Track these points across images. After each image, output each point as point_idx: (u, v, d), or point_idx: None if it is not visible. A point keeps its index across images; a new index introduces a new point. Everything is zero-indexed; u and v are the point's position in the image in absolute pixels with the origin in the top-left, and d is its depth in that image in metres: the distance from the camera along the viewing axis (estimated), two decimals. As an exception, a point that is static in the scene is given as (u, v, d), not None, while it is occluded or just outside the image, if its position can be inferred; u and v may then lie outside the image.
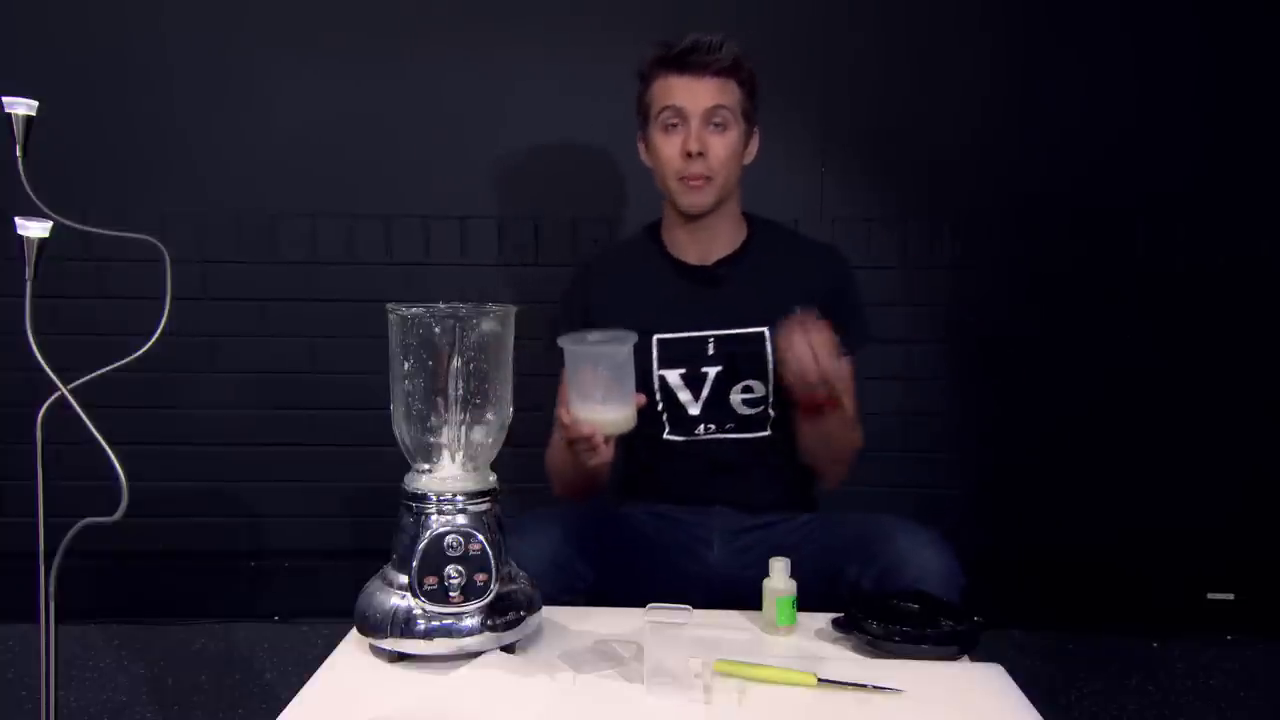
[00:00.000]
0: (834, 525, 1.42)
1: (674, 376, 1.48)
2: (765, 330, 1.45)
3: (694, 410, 1.48)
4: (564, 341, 1.20)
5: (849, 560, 1.29)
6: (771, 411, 1.48)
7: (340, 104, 2.26)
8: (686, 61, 1.41)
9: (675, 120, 1.43)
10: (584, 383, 1.19)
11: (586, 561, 1.34)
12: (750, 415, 1.48)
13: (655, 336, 1.48)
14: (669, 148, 1.43)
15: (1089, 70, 2.28)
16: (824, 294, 1.46)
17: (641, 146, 1.53)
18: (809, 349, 1.25)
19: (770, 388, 1.46)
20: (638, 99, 1.50)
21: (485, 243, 2.31)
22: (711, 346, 1.47)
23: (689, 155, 1.41)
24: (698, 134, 1.41)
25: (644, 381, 1.41)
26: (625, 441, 1.33)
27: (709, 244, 1.52)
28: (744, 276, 1.50)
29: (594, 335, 1.22)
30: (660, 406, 1.48)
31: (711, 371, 1.47)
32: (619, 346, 1.18)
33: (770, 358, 1.45)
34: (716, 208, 1.47)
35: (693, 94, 1.41)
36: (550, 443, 1.53)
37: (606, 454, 1.24)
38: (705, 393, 1.48)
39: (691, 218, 1.48)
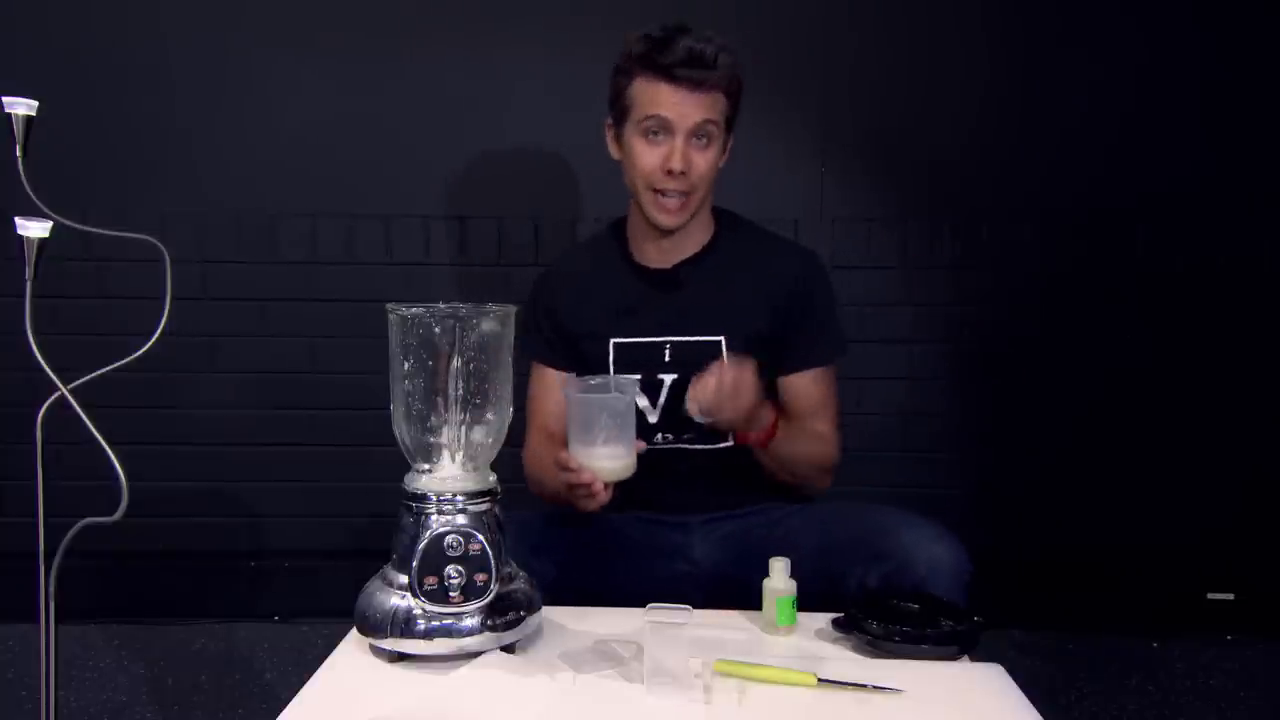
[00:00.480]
0: (832, 519, 1.37)
1: None
2: (721, 339, 1.40)
3: (652, 418, 1.43)
4: (567, 389, 1.20)
5: (853, 559, 1.26)
6: None
7: (340, 104, 2.26)
8: (678, 74, 1.31)
9: (658, 130, 1.35)
10: (585, 430, 1.18)
11: (548, 559, 1.28)
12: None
13: (611, 341, 1.44)
14: (649, 157, 1.36)
15: (1089, 70, 2.28)
16: (786, 296, 1.42)
17: (610, 136, 1.45)
18: (710, 392, 1.22)
19: None
20: (615, 91, 1.40)
21: (485, 243, 2.31)
22: (667, 353, 1.42)
23: (669, 172, 1.34)
24: (683, 151, 1.34)
25: None
26: None
27: (673, 247, 1.46)
28: (704, 279, 1.44)
29: (595, 380, 1.21)
30: None
31: (667, 379, 1.42)
32: (621, 395, 1.18)
33: None
34: (688, 222, 1.42)
35: (681, 109, 1.33)
36: (528, 446, 1.50)
37: (605, 499, 1.21)
38: (662, 400, 1.43)
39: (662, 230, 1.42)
